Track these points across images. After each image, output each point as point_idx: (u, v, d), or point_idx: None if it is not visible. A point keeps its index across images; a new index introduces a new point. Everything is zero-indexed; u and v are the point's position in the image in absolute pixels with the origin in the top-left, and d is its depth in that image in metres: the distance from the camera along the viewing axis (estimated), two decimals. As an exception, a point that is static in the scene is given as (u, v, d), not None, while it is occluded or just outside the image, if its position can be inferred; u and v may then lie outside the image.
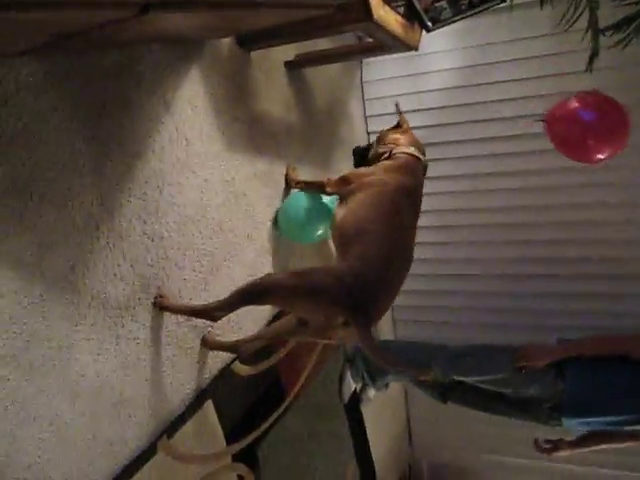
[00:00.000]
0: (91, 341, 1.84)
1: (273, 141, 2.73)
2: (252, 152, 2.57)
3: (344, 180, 2.40)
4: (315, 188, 2.59)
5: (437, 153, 3.39)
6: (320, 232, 2.66)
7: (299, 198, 2.67)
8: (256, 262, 2.60)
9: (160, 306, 2.09)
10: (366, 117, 3.65)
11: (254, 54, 2.55)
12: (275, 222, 2.72)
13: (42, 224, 1.67)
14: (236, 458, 2.46)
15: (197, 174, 2.26)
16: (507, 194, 3.47)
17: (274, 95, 2.73)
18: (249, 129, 2.55)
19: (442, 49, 3.34)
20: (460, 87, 3.36)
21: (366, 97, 3.60)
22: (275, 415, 2.71)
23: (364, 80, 3.57)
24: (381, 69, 3.50)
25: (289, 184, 2.79)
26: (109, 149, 1.88)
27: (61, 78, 1.72)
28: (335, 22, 2.24)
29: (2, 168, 1.56)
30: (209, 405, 2.32)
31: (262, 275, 2.07)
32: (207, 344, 2.31)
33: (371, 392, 3.36)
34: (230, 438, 2.43)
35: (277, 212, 2.72)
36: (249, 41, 2.46)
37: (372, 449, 3.83)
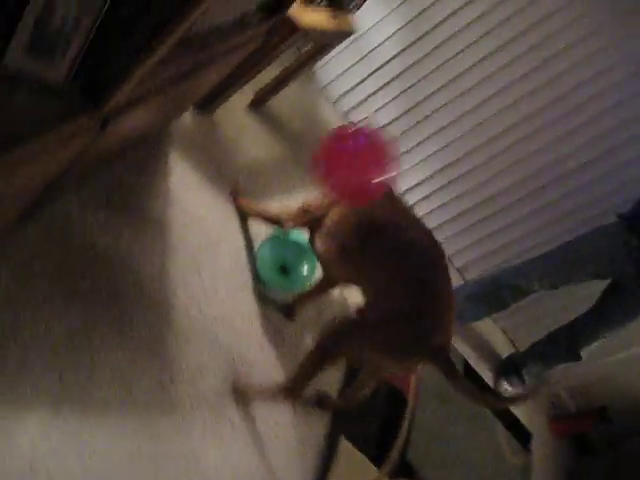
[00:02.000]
0: (210, 438, 1.87)
1: (276, 183, 2.75)
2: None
3: (305, 211, 2.26)
4: (272, 222, 2.38)
5: (419, 114, 3.45)
6: (306, 273, 2.40)
7: (267, 247, 2.41)
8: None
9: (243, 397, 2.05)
10: (344, 114, 3.67)
11: (217, 113, 2.60)
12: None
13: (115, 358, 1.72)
14: (393, 476, 2.45)
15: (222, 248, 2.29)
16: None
17: (253, 140, 2.77)
18: (248, 185, 2.59)
19: (378, 18, 3.34)
20: (410, 45, 3.36)
21: (333, 97, 3.62)
22: (407, 419, 2.70)
23: (325, 83, 3.59)
24: (335, 65, 3.52)
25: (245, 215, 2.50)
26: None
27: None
28: (270, 47, 2.28)
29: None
30: (343, 441, 2.32)
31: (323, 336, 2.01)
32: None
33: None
34: (377, 461, 2.43)
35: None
36: (206, 105, 2.51)
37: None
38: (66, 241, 1.77)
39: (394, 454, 2.51)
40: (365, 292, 2.09)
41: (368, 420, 2.51)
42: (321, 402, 2.28)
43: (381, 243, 2.02)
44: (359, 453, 2.36)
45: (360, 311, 2.00)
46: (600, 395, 3.96)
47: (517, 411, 3.61)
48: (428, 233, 2.09)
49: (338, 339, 1.96)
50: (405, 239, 2.02)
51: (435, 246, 2.04)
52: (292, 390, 2.01)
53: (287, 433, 2.15)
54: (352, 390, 2.30)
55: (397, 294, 1.92)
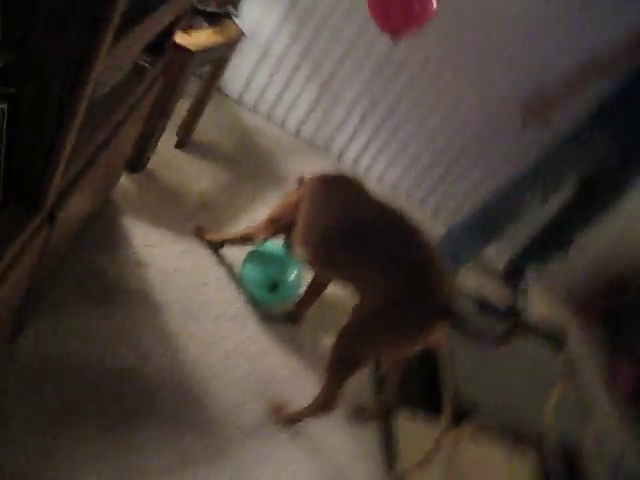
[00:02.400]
0: (275, 465, 1.88)
1: (234, 205, 2.76)
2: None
3: (273, 220, 2.28)
4: (244, 242, 2.38)
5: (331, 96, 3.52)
6: (294, 280, 2.39)
7: (249, 268, 2.39)
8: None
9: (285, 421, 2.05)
10: (266, 114, 3.67)
11: (149, 167, 2.59)
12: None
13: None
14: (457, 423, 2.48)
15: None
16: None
17: (195, 176, 2.77)
18: (208, 218, 2.59)
19: (262, 12, 3.33)
20: (301, 25, 3.36)
21: (250, 104, 3.62)
22: (447, 369, 2.71)
23: (238, 94, 3.58)
24: (240, 73, 3.50)
25: (216, 246, 2.50)
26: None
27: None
28: (171, 83, 2.28)
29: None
30: (397, 420, 2.34)
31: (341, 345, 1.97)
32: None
33: None
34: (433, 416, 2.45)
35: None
36: (136, 162, 2.50)
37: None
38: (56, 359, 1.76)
39: (448, 405, 2.53)
40: (355, 286, 2.05)
41: (411, 389, 2.51)
42: (362, 417, 2.28)
43: (354, 232, 2.02)
44: (417, 420, 2.39)
45: (357, 308, 1.97)
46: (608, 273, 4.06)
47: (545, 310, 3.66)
48: (394, 211, 2.07)
49: (350, 346, 1.94)
50: (374, 221, 2.03)
51: (405, 221, 2.02)
52: (328, 403, 1.98)
53: (341, 437, 2.17)
54: (386, 392, 2.29)
55: (382, 277, 1.90)
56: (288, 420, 2.05)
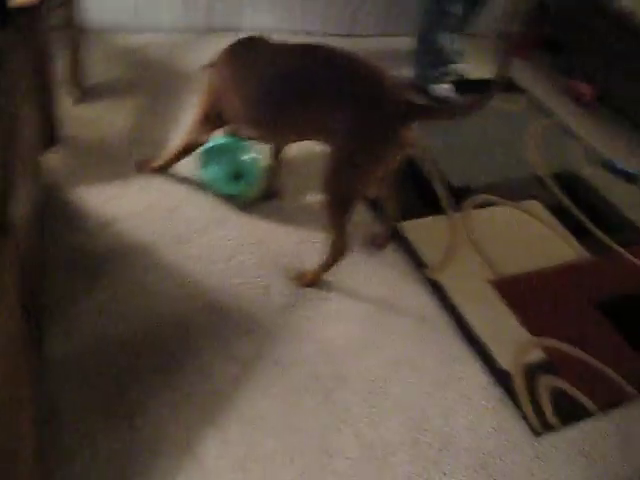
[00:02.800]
0: None
1: (157, 129, 2.69)
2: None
3: (202, 117, 2.22)
4: (188, 153, 2.31)
5: None
6: (254, 161, 2.34)
7: (207, 170, 2.36)
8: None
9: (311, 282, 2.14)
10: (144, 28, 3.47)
11: (63, 134, 2.49)
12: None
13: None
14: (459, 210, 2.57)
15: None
16: None
17: (109, 122, 2.67)
18: (142, 151, 2.53)
19: None
20: None
21: (122, 26, 3.41)
22: (428, 162, 2.75)
23: (103, 22, 3.37)
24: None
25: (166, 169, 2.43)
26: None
27: None
28: (35, 46, 2.12)
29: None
30: (402, 227, 2.41)
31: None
32: None
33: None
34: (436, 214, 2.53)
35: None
36: (49, 138, 2.39)
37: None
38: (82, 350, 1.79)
39: (441, 192, 2.59)
40: (313, 137, 2.02)
41: (408, 202, 2.55)
42: (376, 244, 2.35)
43: (286, 84, 1.94)
44: (424, 222, 2.47)
45: (330, 153, 1.92)
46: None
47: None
48: (315, 47, 1.98)
49: (339, 186, 1.93)
50: (301, 67, 1.94)
51: (331, 51, 1.94)
52: (341, 247, 2.04)
53: (370, 273, 2.25)
54: (387, 216, 2.34)
55: (335, 115, 1.85)
56: (314, 280, 2.12)
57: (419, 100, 1.91)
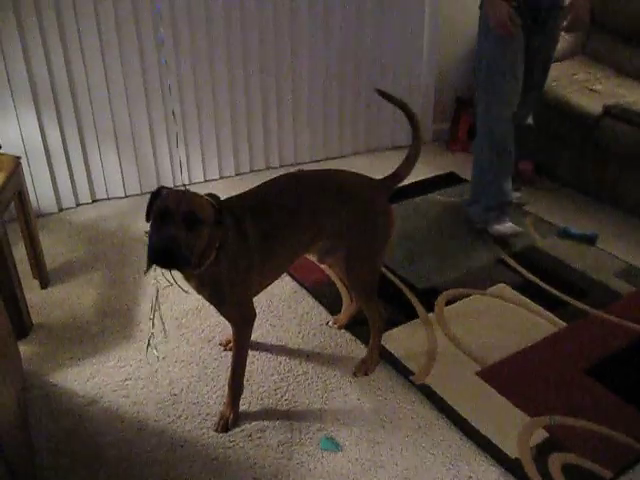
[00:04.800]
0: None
1: (132, 296, 2.72)
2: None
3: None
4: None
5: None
6: None
7: None
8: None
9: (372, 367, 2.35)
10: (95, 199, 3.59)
11: (34, 320, 2.52)
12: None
13: None
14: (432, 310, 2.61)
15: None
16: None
17: (79, 300, 2.71)
18: (118, 325, 2.55)
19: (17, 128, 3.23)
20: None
21: (74, 203, 3.53)
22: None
23: (56, 204, 3.49)
24: (42, 187, 3.40)
25: None
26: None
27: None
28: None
29: None
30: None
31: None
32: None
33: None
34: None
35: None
36: (21, 328, 2.43)
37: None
38: None
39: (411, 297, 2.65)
40: (328, 243, 2.17)
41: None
42: (365, 364, 2.37)
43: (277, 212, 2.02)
44: (400, 330, 2.52)
45: (348, 252, 2.13)
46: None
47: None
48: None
49: (369, 274, 2.18)
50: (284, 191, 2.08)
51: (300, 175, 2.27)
52: (381, 320, 2.30)
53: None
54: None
55: (332, 221, 2.06)
56: (374, 361, 2.35)
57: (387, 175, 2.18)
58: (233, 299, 1.95)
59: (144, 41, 3.31)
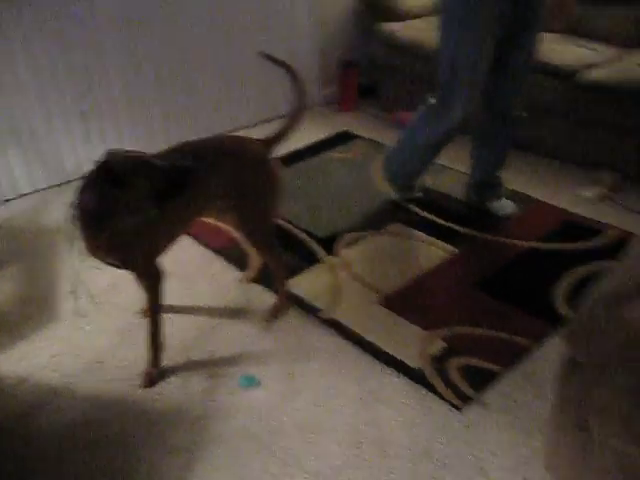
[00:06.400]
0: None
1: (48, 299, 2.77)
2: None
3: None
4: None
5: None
6: None
7: None
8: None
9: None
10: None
11: None
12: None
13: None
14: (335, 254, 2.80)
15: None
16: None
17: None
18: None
19: None
20: None
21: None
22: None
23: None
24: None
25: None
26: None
27: None
28: None
29: None
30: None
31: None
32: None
33: None
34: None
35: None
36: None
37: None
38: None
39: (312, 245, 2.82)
40: (219, 207, 2.29)
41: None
42: (276, 307, 2.51)
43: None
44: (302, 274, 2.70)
45: (239, 210, 2.26)
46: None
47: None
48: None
49: (262, 227, 2.32)
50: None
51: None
52: (283, 266, 2.48)
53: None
54: (275, 277, 2.54)
55: (219, 181, 2.16)
56: (283, 309, 2.50)
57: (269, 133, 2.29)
58: (139, 259, 2.07)
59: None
